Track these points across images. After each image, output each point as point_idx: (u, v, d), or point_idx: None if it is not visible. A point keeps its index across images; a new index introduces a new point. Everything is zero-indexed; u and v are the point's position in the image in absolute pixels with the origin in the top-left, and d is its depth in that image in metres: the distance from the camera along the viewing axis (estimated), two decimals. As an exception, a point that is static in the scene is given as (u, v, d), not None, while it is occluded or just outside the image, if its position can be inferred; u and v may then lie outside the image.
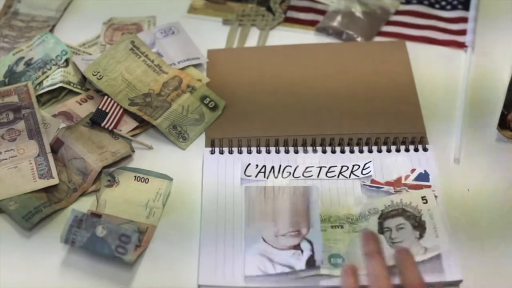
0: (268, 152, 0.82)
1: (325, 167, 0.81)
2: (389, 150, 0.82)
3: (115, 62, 0.88)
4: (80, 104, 0.88)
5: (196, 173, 0.81)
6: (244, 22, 1.00)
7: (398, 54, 0.94)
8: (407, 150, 0.82)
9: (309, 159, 0.82)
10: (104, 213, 0.76)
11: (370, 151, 0.82)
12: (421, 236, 0.72)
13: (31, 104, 0.85)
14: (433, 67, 0.93)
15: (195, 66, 0.92)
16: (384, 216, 0.74)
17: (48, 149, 0.81)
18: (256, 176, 0.80)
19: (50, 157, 0.80)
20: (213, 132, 0.86)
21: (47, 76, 0.89)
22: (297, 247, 0.72)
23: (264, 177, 0.80)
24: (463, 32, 0.98)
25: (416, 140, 0.82)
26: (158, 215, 0.77)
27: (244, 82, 0.91)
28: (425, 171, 0.79)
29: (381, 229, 0.73)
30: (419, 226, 0.73)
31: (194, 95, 0.88)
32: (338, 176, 0.80)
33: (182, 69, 0.91)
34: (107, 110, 0.84)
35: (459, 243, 0.73)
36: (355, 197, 0.78)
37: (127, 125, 0.85)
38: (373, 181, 0.79)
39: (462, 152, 0.83)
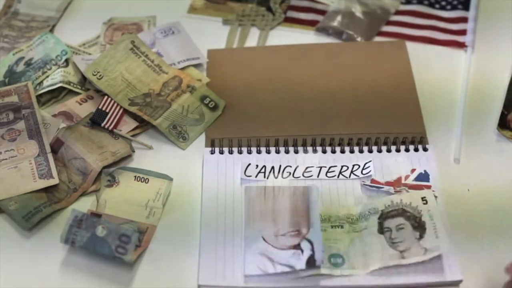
0: (268, 152, 0.82)
1: (325, 167, 0.81)
2: (389, 150, 0.82)
3: (115, 62, 0.88)
4: (80, 104, 0.88)
5: (196, 173, 0.81)
6: (244, 22, 1.00)
7: (398, 54, 0.94)
8: (407, 150, 0.82)
9: (309, 159, 0.82)
10: (104, 213, 0.76)
11: (370, 151, 0.82)
12: (421, 237, 0.72)
13: (31, 104, 0.85)
14: (433, 67, 0.93)
15: (195, 66, 0.92)
16: (384, 216, 0.74)
17: (48, 149, 0.81)
18: (256, 176, 0.80)
19: (50, 157, 0.80)
20: (213, 132, 0.86)
21: (47, 76, 0.89)
22: (297, 246, 0.72)
23: (264, 177, 0.80)
24: (463, 32, 0.98)
25: (416, 140, 0.82)
26: (158, 215, 0.77)
27: (244, 82, 0.91)
28: (425, 171, 0.79)
29: (381, 229, 0.73)
30: (419, 226, 0.73)
31: (194, 95, 0.88)
32: (338, 176, 0.80)
33: (182, 69, 0.91)
34: (107, 110, 0.84)
35: (459, 243, 0.73)
36: (355, 197, 0.78)
37: (127, 125, 0.85)
38: (373, 181, 0.79)
39: (462, 152, 0.83)
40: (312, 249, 0.71)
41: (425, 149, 0.82)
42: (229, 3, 1.03)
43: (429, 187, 0.78)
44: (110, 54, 0.88)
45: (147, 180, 0.80)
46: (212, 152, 0.82)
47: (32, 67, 0.90)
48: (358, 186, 0.79)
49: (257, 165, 0.81)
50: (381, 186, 0.78)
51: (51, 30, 0.98)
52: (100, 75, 0.86)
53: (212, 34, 0.98)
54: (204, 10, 1.02)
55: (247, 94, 0.90)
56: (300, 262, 0.71)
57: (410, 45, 0.95)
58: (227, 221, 0.76)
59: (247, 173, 0.80)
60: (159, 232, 0.76)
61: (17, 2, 1.02)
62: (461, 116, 0.86)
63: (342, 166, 0.80)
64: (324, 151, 0.82)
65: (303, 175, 0.80)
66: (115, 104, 0.85)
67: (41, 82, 0.89)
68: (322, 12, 1.01)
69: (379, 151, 0.82)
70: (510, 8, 1.01)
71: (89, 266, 0.73)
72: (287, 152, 0.82)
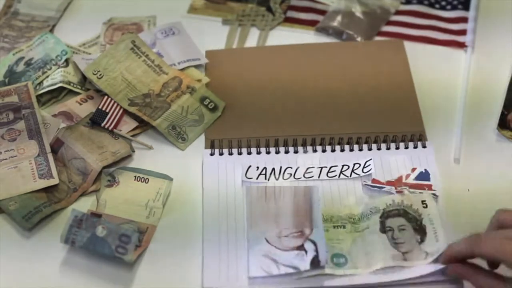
0: (268, 152, 0.82)
1: (326, 167, 0.81)
2: (388, 148, 0.82)
3: (116, 61, 0.88)
4: (80, 104, 0.88)
5: (196, 173, 0.81)
6: (244, 22, 1.00)
7: (396, 54, 0.94)
8: (406, 147, 0.82)
9: (309, 160, 0.81)
10: (104, 213, 0.76)
11: (370, 149, 0.82)
12: (422, 241, 0.72)
13: (31, 104, 0.85)
14: (433, 67, 0.93)
15: (196, 66, 0.92)
16: (385, 215, 0.74)
17: (48, 149, 0.81)
18: (257, 178, 0.80)
19: (50, 157, 0.80)
20: (212, 133, 0.86)
21: (47, 76, 0.89)
22: (300, 247, 0.72)
23: (265, 179, 0.80)
24: (463, 32, 0.98)
25: (415, 137, 0.83)
26: (158, 215, 0.77)
27: (244, 83, 0.91)
28: (425, 170, 0.79)
29: (383, 228, 0.73)
30: (420, 230, 0.73)
31: (193, 96, 0.88)
32: (339, 176, 0.80)
33: (183, 69, 0.91)
34: (107, 110, 0.84)
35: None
36: (356, 197, 0.78)
37: (127, 125, 0.85)
38: (374, 180, 0.79)
39: (462, 152, 0.83)
40: (316, 250, 0.71)
41: (424, 146, 0.82)
42: (229, 3, 1.03)
43: (430, 186, 0.78)
44: (110, 53, 0.88)
45: (147, 180, 0.80)
46: (212, 154, 0.82)
47: (32, 67, 0.90)
48: (360, 186, 0.79)
49: (257, 167, 0.81)
50: (383, 186, 0.78)
51: (51, 30, 0.98)
52: (100, 75, 0.86)
53: (212, 34, 0.98)
54: (204, 10, 1.02)
55: (246, 95, 0.90)
56: (304, 263, 0.70)
57: (410, 45, 0.95)
58: (230, 223, 0.75)
59: (248, 175, 0.80)
60: (159, 232, 0.76)
61: (17, 2, 1.02)
62: (461, 116, 0.86)
63: (343, 166, 0.80)
64: (324, 150, 0.82)
65: (304, 176, 0.80)
66: (115, 104, 0.85)
67: (41, 82, 0.89)
68: (322, 12, 1.01)
69: (379, 148, 0.82)
70: (510, 8, 1.01)
71: (89, 266, 0.72)
72: (287, 152, 0.82)
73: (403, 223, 0.74)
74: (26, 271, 0.73)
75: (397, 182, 0.79)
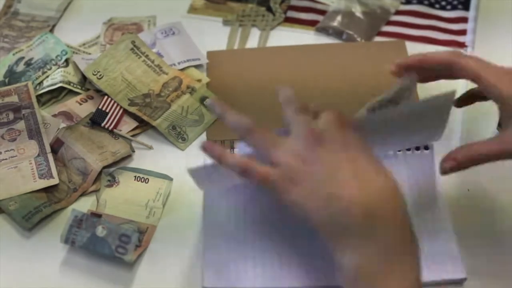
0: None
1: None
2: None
3: (116, 62, 0.88)
4: (80, 104, 0.88)
5: (196, 173, 0.81)
6: (244, 23, 1.00)
7: (398, 54, 0.94)
8: (408, 149, 0.82)
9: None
10: (104, 213, 0.76)
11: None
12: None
13: (31, 104, 0.85)
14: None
15: (196, 66, 0.92)
16: None
17: (48, 149, 0.81)
18: None
19: (50, 157, 0.80)
20: (213, 133, 0.85)
21: (47, 76, 0.89)
22: None
23: None
24: (463, 32, 0.98)
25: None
26: (158, 215, 0.77)
27: (244, 83, 0.91)
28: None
29: None
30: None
31: (193, 96, 0.88)
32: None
33: (183, 69, 0.91)
34: (107, 110, 0.84)
35: (460, 243, 0.73)
36: None
37: (127, 125, 0.85)
38: None
39: (462, 152, 0.83)
40: None
41: (426, 148, 0.82)
42: (229, 3, 1.03)
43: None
44: (110, 54, 0.88)
45: (147, 180, 0.80)
46: None
47: (32, 67, 0.90)
48: None
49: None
50: None
51: (51, 30, 0.98)
52: (100, 75, 0.87)
53: (212, 34, 0.98)
54: (204, 10, 1.02)
55: (247, 95, 0.89)
56: None
57: (410, 45, 0.95)
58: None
59: None
60: (159, 232, 0.76)
61: (17, 2, 1.02)
62: (461, 116, 0.86)
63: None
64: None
65: None
66: (115, 104, 0.85)
67: (41, 82, 0.89)
68: (322, 12, 1.01)
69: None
70: (510, 8, 1.01)
71: (89, 266, 0.73)
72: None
73: None
74: (26, 271, 0.73)
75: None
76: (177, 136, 0.85)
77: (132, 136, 0.85)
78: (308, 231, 0.71)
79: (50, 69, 0.90)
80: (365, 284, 0.59)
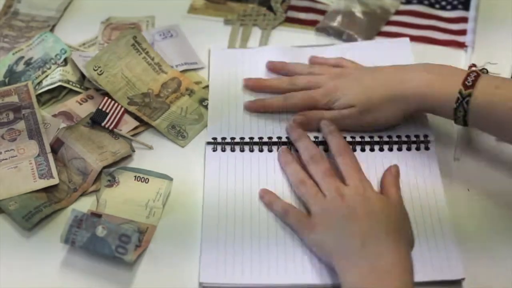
0: (270, 150, 0.82)
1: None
2: (391, 149, 0.82)
3: (116, 57, 0.88)
4: (80, 104, 0.88)
5: (197, 173, 0.81)
6: (245, 22, 1.00)
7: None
8: (408, 149, 0.82)
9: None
10: (104, 213, 0.76)
11: (372, 150, 0.82)
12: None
13: (31, 104, 0.85)
14: (433, 67, 0.93)
15: (194, 69, 0.92)
16: None
17: (48, 149, 0.81)
18: None
19: (50, 157, 0.80)
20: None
21: (47, 76, 0.89)
22: None
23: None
24: (463, 32, 0.98)
25: (418, 140, 0.82)
26: (158, 215, 0.77)
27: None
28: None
29: None
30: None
31: (192, 98, 0.88)
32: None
33: (182, 71, 0.91)
34: (107, 110, 0.84)
35: (460, 243, 0.73)
36: None
37: (127, 125, 0.85)
38: None
39: (462, 152, 0.83)
40: None
41: (427, 148, 0.82)
42: (229, 3, 1.03)
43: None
44: (111, 49, 0.88)
45: (147, 180, 0.80)
46: (214, 150, 0.82)
47: (31, 66, 0.90)
48: None
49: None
50: None
51: (51, 30, 0.98)
52: (101, 71, 0.86)
53: (212, 34, 0.98)
54: (204, 10, 1.02)
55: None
56: None
57: (410, 45, 0.95)
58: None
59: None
60: (159, 232, 0.76)
61: (17, 2, 1.02)
62: (461, 116, 0.86)
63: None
64: (326, 150, 0.82)
65: None
66: (115, 104, 0.85)
67: (41, 81, 0.89)
68: (322, 12, 1.01)
69: (381, 149, 0.82)
70: (510, 8, 1.01)
71: (89, 266, 0.72)
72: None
73: None
74: (26, 271, 0.73)
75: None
76: (176, 134, 0.85)
77: (132, 136, 0.85)
78: None
79: (50, 68, 0.90)
80: None
